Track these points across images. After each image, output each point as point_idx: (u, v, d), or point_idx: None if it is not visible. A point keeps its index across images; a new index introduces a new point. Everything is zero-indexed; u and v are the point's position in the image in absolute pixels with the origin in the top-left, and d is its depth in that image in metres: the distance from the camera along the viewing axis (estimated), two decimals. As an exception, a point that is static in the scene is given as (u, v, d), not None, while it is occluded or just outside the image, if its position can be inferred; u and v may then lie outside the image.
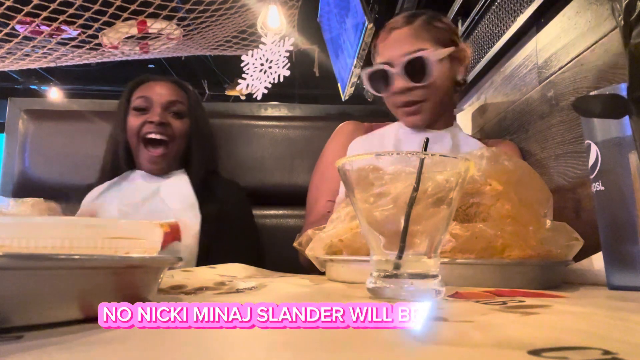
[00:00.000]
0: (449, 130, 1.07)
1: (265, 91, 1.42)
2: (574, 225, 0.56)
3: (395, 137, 1.06)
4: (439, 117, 1.06)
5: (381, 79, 1.02)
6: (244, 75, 1.43)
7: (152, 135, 1.17)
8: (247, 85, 1.43)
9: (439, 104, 1.03)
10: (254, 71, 1.44)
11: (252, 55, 1.44)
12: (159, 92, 1.21)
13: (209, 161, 1.28)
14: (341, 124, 1.18)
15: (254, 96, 1.43)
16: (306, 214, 1.16)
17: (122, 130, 1.21)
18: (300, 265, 1.03)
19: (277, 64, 1.43)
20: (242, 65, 1.43)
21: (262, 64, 1.44)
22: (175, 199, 1.15)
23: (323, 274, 0.68)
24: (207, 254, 1.09)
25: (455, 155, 0.39)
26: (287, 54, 1.44)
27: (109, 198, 1.15)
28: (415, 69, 0.98)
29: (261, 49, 1.45)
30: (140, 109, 1.20)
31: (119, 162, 1.21)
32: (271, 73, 1.43)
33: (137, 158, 1.20)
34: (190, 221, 1.09)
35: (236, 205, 1.24)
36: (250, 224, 1.28)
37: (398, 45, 1.01)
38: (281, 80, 1.43)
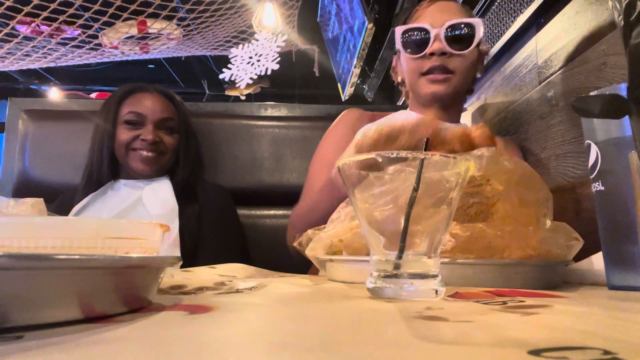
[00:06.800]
0: (460, 125, 1.05)
1: (250, 81, 1.44)
2: (574, 225, 0.56)
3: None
4: (453, 104, 1.03)
5: (417, 38, 0.98)
6: (229, 66, 1.45)
7: (145, 153, 1.19)
8: (231, 74, 1.45)
9: (461, 86, 1.00)
10: (241, 62, 1.46)
11: (242, 49, 1.46)
12: (151, 108, 1.22)
13: (195, 169, 1.30)
14: (345, 111, 1.15)
15: (237, 85, 1.44)
16: (301, 198, 1.09)
17: (109, 140, 1.21)
18: (300, 265, 1.02)
19: (266, 57, 1.45)
20: (230, 56, 1.45)
21: (250, 57, 1.46)
22: (156, 205, 1.16)
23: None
24: (193, 258, 1.10)
25: (455, 155, 0.39)
26: (279, 49, 1.46)
27: (93, 211, 1.15)
28: (458, 35, 0.95)
29: (252, 44, 1.46)
30: (131, 124, 1.21)
31: (104, 172, 1.21)
32: (258, 66, 1.45)
33: (127, 161, 1.21)
34: (170, 227, 1.10)
35: (219, 208, 1.25)
36: (234, 227, 1.28)
37: (443, 13, 0.99)
38: (269, 73, 1.45)
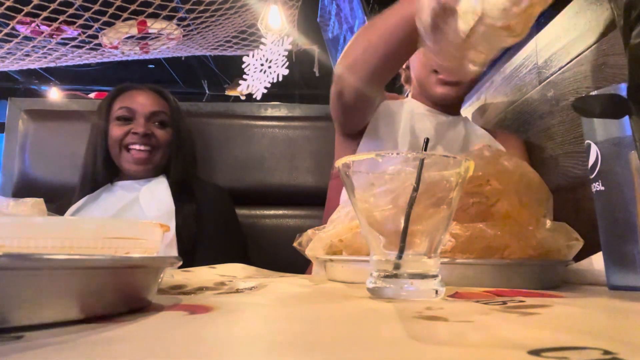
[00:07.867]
0: (461, 118, 1.07)
1: (265, 91, 1.43)
2: (574, 225, 0.56)
3: (410, 116, 0.99)
4: (460, 100, 1.06)
5: None
6: (244, 77, 1.44)
7: (137, 147, 1.19)
8: (248, 85, 1.44)
9: (471, 86, 1.03)
10: (254, 71, 1.45)
11: (253, 56, 1.45)
12: (142, 103, 1.22)
13: (189, 167, 1.29)
14: None
15: (254, 96, 1.44)
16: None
17: (103, 140, 1.21)
18: (300, 265, 1.02)
19: (276, 63, 1.45)
20: (243, 66, 1.45)
21: (262, 64, 1.45)
22: (153, 205, 1.16)
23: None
24: (190, 259, 1.10)
25: (455, 155, 0.39)
26: (286, 53, 1.46)
27: (88, 213, 1.15)
28: None
29: (261, 49, 1.46)
30: (123, 120, 1.21)
31: (99, 172, 1.21)
32: (270, 73, 1.44)
33: (120, 162, 1.21)
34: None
35: (217, 208, 1.25)
36: (233, 225, 1.28)
37: None
38: (280, 79, 1.44)
